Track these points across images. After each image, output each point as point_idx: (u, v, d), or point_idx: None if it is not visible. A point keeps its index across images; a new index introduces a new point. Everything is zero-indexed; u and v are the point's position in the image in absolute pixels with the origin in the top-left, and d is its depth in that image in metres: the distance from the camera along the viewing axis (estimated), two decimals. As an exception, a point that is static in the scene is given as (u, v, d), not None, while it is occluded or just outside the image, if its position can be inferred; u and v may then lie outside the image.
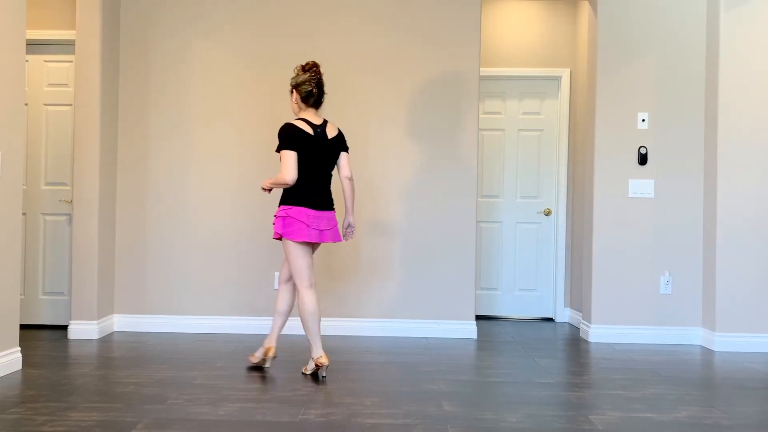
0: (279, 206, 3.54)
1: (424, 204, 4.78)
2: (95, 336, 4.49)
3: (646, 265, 4.70)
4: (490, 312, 5.71)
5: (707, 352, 4.41)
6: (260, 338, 4.58)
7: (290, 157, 3.41)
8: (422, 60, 4.78)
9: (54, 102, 4.89)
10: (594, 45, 4.80)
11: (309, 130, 3.48)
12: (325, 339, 4.58)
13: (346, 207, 3.67)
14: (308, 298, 3.51)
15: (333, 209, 3.59)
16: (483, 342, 4.63)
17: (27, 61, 4.86)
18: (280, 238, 3.56)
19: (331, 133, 3.57)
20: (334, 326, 4.76)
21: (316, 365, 3.48)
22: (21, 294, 4.85)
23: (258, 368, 3.71)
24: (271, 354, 3.61)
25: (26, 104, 4.87)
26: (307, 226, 3.44)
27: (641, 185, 4.70)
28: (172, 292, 4.79)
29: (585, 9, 5.40)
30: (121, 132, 4.80)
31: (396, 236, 4.78)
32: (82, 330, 4.49)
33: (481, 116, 5.68)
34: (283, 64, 4.79)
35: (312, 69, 3.54)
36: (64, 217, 4.88)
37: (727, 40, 4.51)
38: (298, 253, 3.50)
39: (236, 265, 4.78)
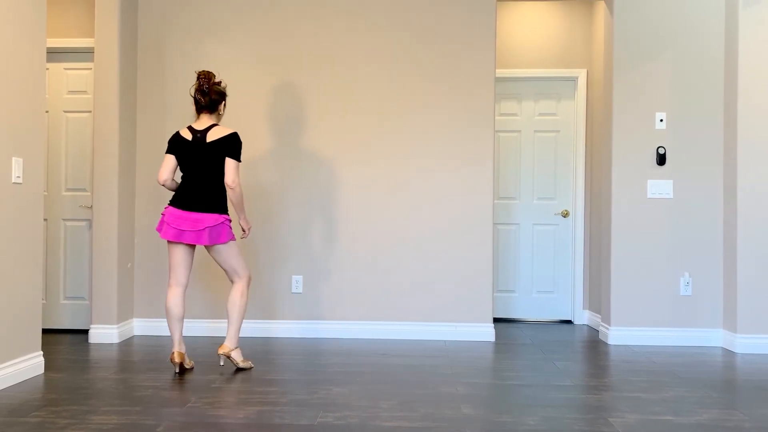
0: None
1: (441, 206, 4.77)
2: (115, 340, 4.54)
3: (665, 266, 4.66)
4: (507, 314, 5.69)
5: (728, 354, 4.35)
6: (278, 341, 4.60)
7: (164, 160, 3.75)
8: (437, 62, 4.78)
9: (73, 109, 4.96)
10: (610, 45, 4.77)
11: (188, 135, 3.69)
12: (343, 341, 4.60)
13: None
14: (168, 296, 3.71)
15: (204, 211, 3.64)
16: (500, 345, 4.61)
17: (47, 69, 4.94)
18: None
19: (211, 137, 3.66)
20: (352, 329, 4.77)
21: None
22: (43, 299, 4.92)
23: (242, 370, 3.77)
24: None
25: (47, 111, 4.94)
26: (168, 224, 3.64)
27: (660, 186, 4.66)
28: (190, 296, 4.82)
29: (601, 9, 5.37)
30: (140, 138, 4.86)
31: (413, 239, 4.78)
32: (102, 334, 4.54)
33: (497, 118, 5.67)
34: (299, 68, 4.81)
35: (199, 78, 3.71)
36: (84, 223, 4.94)
37: (746, 37, 4.46)
38: (169, 250, 3.74)
39: (254, 269, 4.81)
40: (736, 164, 4.47)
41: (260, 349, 4.35)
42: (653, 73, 4.68)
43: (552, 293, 5.66)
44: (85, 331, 4.90)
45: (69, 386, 3.38)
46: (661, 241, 4.66)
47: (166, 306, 3.70)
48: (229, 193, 3.67)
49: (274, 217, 4.81)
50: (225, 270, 3.78)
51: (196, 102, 3.72)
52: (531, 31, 5.63)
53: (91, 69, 4.95)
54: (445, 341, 4.68)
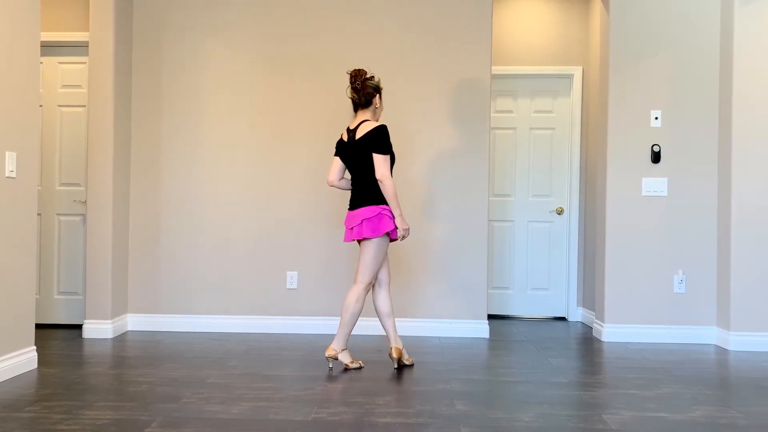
0: None
1: (436, 203, 4.77)
2: (109, 335, 4.53)
3: (659, 263, 4.67)
4: (502, 311, 5.70)
5: (722, 352, 4.37)
6: (273, 337, 4.59)
7: (332, 162, 3.83)
8: (433, 59, 4.77)
9: (68, 103, 4.93)
10: (606, 42, 4.77)
11: (345, 136, 3.75)
12: (337, 338, 4.59)
13: None
14: (373, 296, 3.81)
15: (361, 206, 3.65)
16: (495, 341, 4.62)
17: (41, 62, 4.91)
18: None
19: (359, 134, 3.66)
20: (347, 325, 4.77)
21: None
22: (36, 294, 4.90)
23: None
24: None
25: (41, 106, 4.92)
26: (346, 227, 3.76)
27: (654, 183, 4.67)
28: (185, 291, 4.81)
29: (597, 6, 5.37)
30: (134, 133, 4.84)
31: (408, 236, 4.76)
32: (96, 329, 4.52)
33: (492, 115, 5.67)
34: (294, 65, 4.80)
35: (350, 77, 3.72)
36: (78, 218, 4.92)
37: (742, 36, 4.47)
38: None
39: (249, 265, 4.80)
40: (731, 162, 4.48)
41: (255, 345, 4.35)
42: (649, 70, 4.68)
43: (546, 290, 5.67)
44: (79, 327, 4.88)
45: (63, 381, 3.36)
46: (656, 238, 4.67)
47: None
48: (381, 188, 3.61)
49: (270, 214, 4.80)
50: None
51: (352, 101, 3.73)
52: (527, 29, 5.63)
53: (85, 63, 4.92)
54: (439, 338, 4.68)
